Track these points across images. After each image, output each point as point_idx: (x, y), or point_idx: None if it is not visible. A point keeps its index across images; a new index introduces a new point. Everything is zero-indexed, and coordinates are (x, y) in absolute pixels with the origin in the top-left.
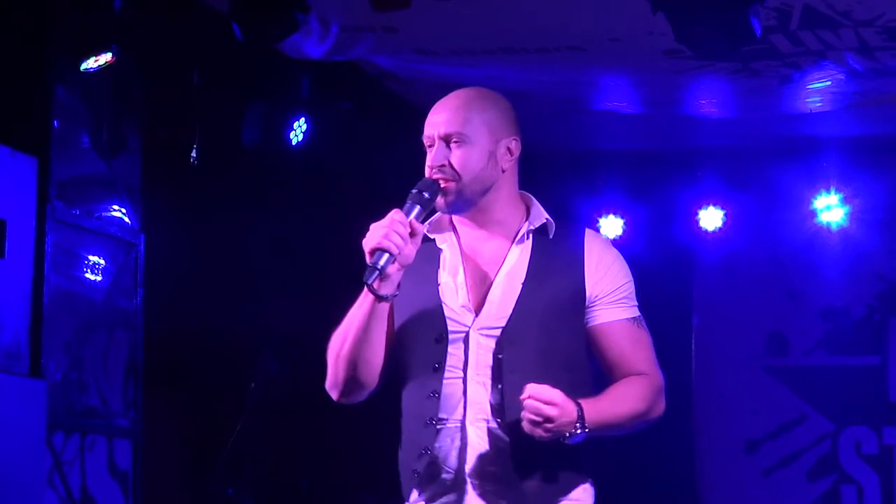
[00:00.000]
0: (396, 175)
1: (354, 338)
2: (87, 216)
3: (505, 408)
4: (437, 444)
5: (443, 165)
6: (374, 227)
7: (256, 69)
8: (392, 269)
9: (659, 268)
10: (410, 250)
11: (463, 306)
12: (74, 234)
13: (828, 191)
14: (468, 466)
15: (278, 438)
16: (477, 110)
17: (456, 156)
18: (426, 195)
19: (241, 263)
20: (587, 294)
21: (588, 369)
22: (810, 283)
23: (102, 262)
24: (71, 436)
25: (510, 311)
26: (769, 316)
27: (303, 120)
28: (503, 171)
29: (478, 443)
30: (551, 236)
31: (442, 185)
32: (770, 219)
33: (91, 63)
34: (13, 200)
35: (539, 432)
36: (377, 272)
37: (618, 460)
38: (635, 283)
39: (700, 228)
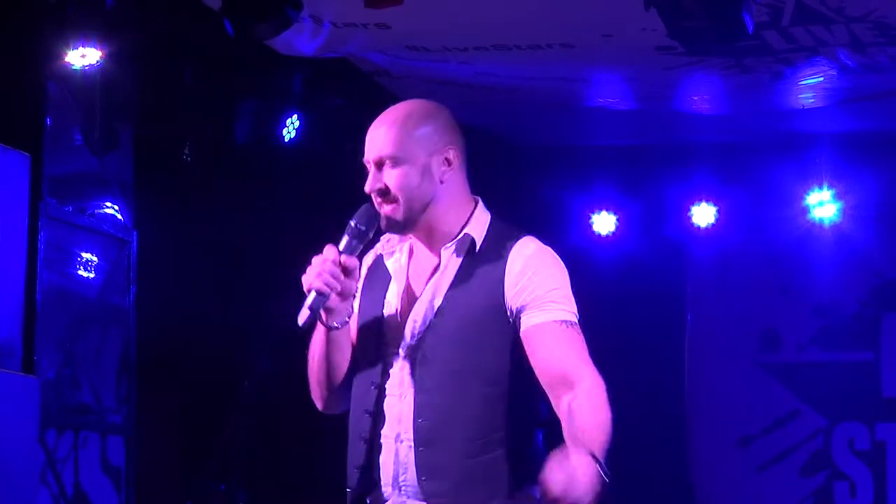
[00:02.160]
0: None
1: (319, 362)
2: (80, 213)
3: (420, 425)
4: (369, 462)
5: (380, 189)
6: (313, 262)
7: (249, 66)
8: (333, 302)
9: (652, 264)
10: (348, 284)
11: (395, 323)
12: (67, 231)
13: (820, 187)
14: (395, 483)
15: (271, 435)
16: (407, 128)
17: (390, 177)
18: (362, 227)
19: (234, 260)
20: (508, 307)
21: (507, 383)
22: (803, 279)
23: (95, 259)
24: (64, 433)
25: (424, 328)
26: (762, 312)
27: (295, 116)
28: (442, 183)
29: (404, 461)
30: (479, 247)
31: (384, 209)
32: (763, 215)
33: (78, 59)
34: (6, 197)
35: None
36: (310, 314)
37: (610, 456)
38: (628, 278)
39: (693, 224)
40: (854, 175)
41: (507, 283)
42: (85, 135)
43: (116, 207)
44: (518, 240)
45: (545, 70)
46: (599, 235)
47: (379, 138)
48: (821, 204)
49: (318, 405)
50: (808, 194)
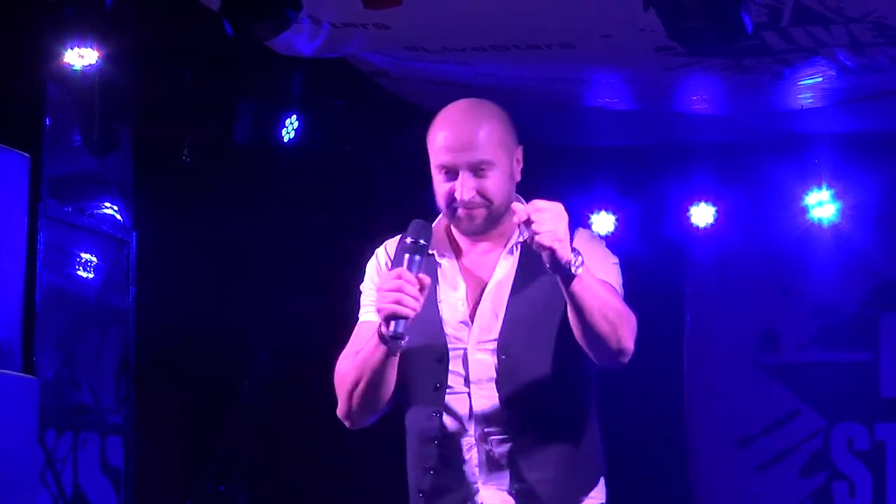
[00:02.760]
0: (388, 172)
1: (369, 382)
2: (79, 214)
3: (510, 419)
4: (441, 463)
5: (473, 197)
6: (383, 291)
7: (248, 66)
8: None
9: (651, 264)
10: (420, 304)
11: (461, 322)
12: (66, 231)
13: (819, 187)
14: (481, 481)
15: (270, 436)
16: (495, 131)
17: (486, 184)
18: (422, 241)
19: (234, 261)
20: None
21: (587, 370)
22: (802, 279)
23: (94, 259)
24: (63, 433)
25: (501, 323)
26: (761, 312)
27: (294, 117)
28: (516, 183)
29: (489, 457)
30: None
31: (471, 212)
32: (762, 215)
33: (78, 59)
34: (5, 198)
35: (540, 239)
36: (398, 340)
37: (610, 456)
38: (627, 278)
39: (692, 225)
40: (853, 175)
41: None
42: (84, 135)
43: (116, 208)
44: (573, 230)
45: (544, 70)
46: (599, 236)
47: (472, 143)
48: (820, 204)
49: (348, 423)
50: (807, 194)
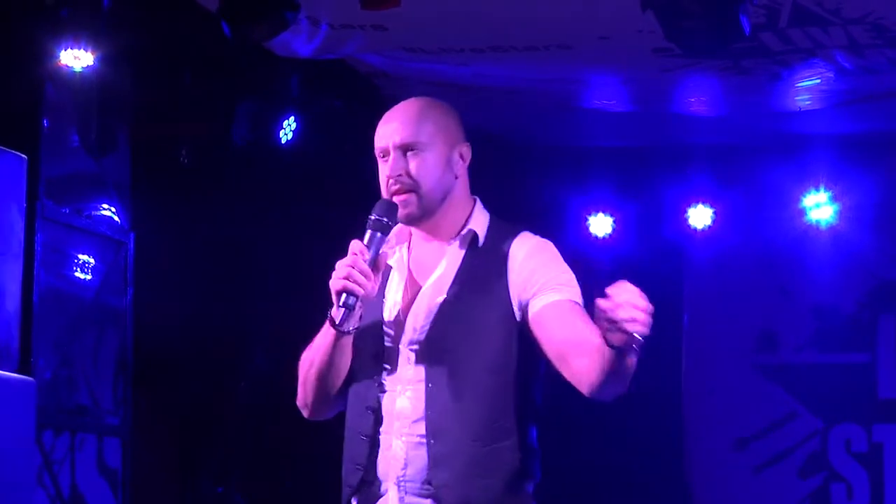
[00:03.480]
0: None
1: (320, 365)
2: (77, 215)
3: (432, 420)
4: (368, 460)
5: (400, 175)
6: (338, 265)
7: (246, 67)
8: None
9: (648, 266)
10: (374, 285)
11: (396, 318)
12: (64, 232)
13: (817, 188)
14: (392, 479)
15: (268, 437)
16: (430, 118)
17: (414, 164)
18: (385, 220)
19: (232, 262)
20: (513, 299)
21: (512, 374)
22: (800, 280)
23: (92, 260)
24: (61, 434)
25: (430, 323)
26: (759, 314)
27: (292, 118)
28: (456, 178)
29: (402, 455)
30: (481, 243)
31: (402, 198)
32: (759, 217)
33: (75, 60)
34: (2, 199)
35: (639, 327)
36: (346, 312)
37: (607, 458)
38: (624, 279)
39: (689, 226)
40: (851, 177)
41: (511, 276)
42: (82, 136)
43: (113, 209)
44: (518, 234)
45: (542, 71)
46: (596, 237)
47: (403, 124)
48: (818, 206)
49: (305, 412)
50: (804, 196)
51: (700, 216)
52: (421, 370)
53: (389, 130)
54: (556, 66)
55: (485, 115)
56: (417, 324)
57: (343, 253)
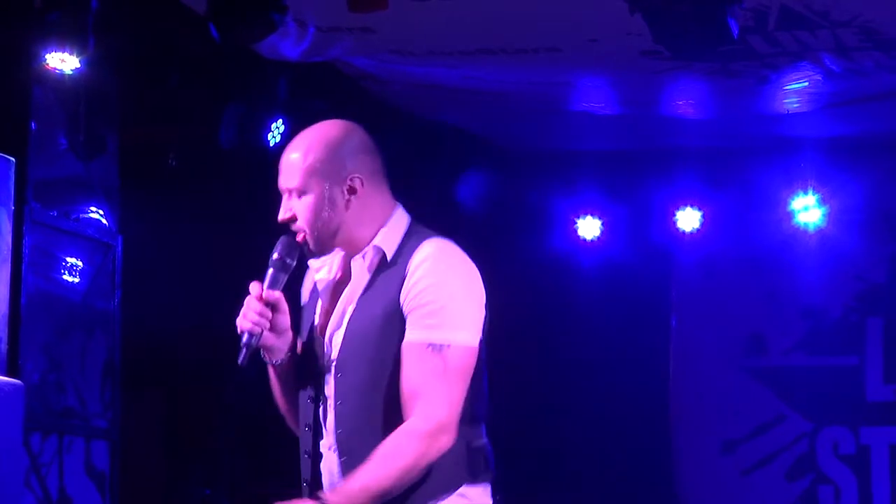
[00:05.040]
0: None
1: (279, 398)
2: (65, 218)
3: (339, 435)
4: (310, 476)
5: (289, 218)
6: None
7: (234, 70)
8: (269, 340)
9: (637, 269)
10: (278, 319)
11: (321, 339)
12: (52, 235)
13: (805, 191)
14: (322, 492)
15: (256, 440)
16: (307, 160)
17: (297, 208)
18: (287, 260)
19: (220, 265)
20: (401, 308)
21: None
22: (788, 283)
23: (80, 263)
24: (48, 437)
25: (341, 340)
26: (747, 316)
27: (280, 121)
28: (347, 210)
29: (335, 468)
30: (389, 257)
31: (298, 237)
32: (748, 219)
33: (63, 63)
34: None
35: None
36: (244, 351)
37: (595, 461)
38: (615, 284)
39: (678, 229)
40: (839, 179)
41: (403, 289)
42: (70, 139)
43: (101, 212)
44: (422, 242)
45: (531, 74)
46: (584, 240)
47: (286, 168)
48: (806, 208)
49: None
50: (793, 199)
51: (688, 219)
52: (334, 387)
53: (280, 174)
54: (545, 69)
55: (473, 118)
56: (331, 341)
57: None
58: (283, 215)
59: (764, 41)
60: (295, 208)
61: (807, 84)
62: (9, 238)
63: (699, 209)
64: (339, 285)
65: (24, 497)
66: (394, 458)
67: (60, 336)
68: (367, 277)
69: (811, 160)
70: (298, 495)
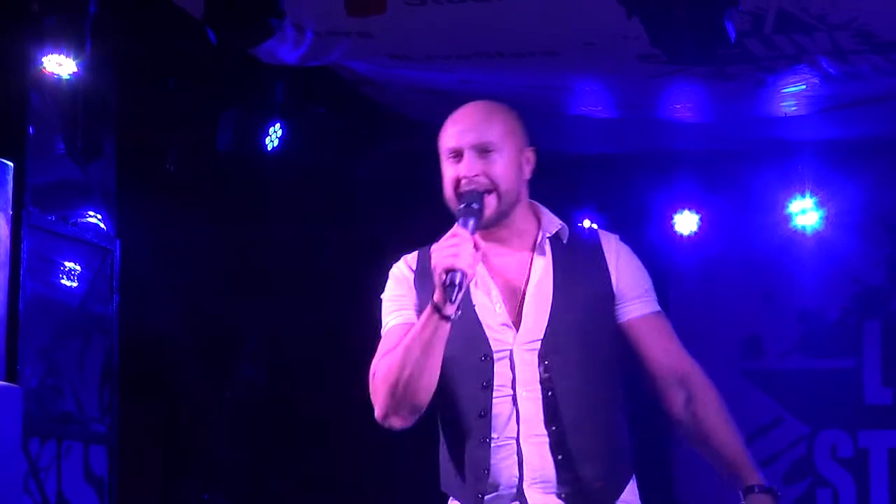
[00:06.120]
0: (372, 180)
1: (417, 363)
2: (63, 222)
3: (557, 419)
4: (493, 463)
5: (477, 175)
6: (439, 247)
7: (232, 75)
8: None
9: None
10: (476, 263)
11: (503, 324)
12: (50, 240)
13: (803, 194)
14: (526, 482)
15: (254, 445)
16: (503, 120)
17: (490, 165)
18: (475, 206)
19: (217, 269)
20: (615, 292)
21: (621, 364)
22: (786, 286)
23: (78, 268)
24: (47, 442)
25: (545, 323)
26: (745, 319)
27: (278, 125)
28: (525, 181)
29: (533, 457)
30: (565, 241)
31: (484, 197)
32: (745, 222)
33: (61, 68)
34: None
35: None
36: (457, 289)
37: None
38: None
39: (675, 232)
40: (836, 182)
41: (610, 268)
42: (68, 144)
43: (99, 216)
44: (598, 231)
45: (528, 78)
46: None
47: (475, 126)
48: (803, 212)
49: (397, 422)
50: (790, 202)
51: (686, 222)
52: (540, 372)
53: (461, 130)
54: (542, 73)
55: None
56: (531, 325)
57: (331, 263)
58: (469, 170)
59: (761, 44)
60: (485, 166)
61: (804, 87)
62: (7, 243)
63: (697, 212)
64: (509, 270)
65: (23, 501)
66: (728, 418)
67: (58, 341)
68: (551, 261)
69: (808, 163)
70: (298, 497)
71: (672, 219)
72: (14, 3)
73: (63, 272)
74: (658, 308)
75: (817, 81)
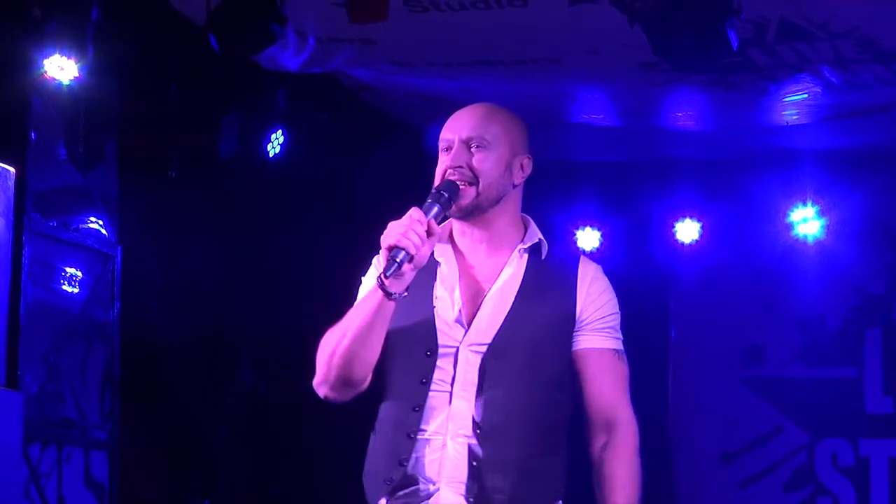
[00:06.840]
0: (373, 187)
1: (355, 335)
2: (64, 228)
3: (485, 423)
4: (415, 456)
5: (460, 167)
6: (392, 224)
7: (233, 81)
8: (406, 268)
9: (636, 280)
10: (426, 251)
11: (456, 321)
12: (51, 245)
13: (804, 203)
14: (444, 480)
15: (255, 450)
16: (499, 121)
17: (476, 159)
18: (445, 195)
19: (218, 275)
20: (576, 316)
21: (570, 389)
22: (787, 295)
23: (79, 273)
24: (48, 448)
25: (497, 328)
26: (746, 328)
27: (280, 132)
28: (514, 186)
29: (456, 457)
30: (543, 257)
31: (460, 188)
32: (747, 231)
33: (63, 73)
34: None
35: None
36: (395, 266)
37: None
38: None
39: (677, 241)
40: (838, 191)
41: (579, 292)
42: (69, 149)
43: (101, 222)
44: (580, 255)
45: (530, 85)
46: (583, 251)
47: (470, 120)
48: (804, 220)
49: (324, 389)
50: (792, 211)
51: (687, 231)
52: (482, 374)
53: (457, 124)
54: (544, 80)
55: None
56: (482, 326)
57: (332, 269)
58: (456, 160)
59: (763, 53)
60: (473, 158)
61: (806, 96)
62: (8, 248)
63: (698, 221)
64: (479, 272)
65: None
66: (636, 476)
67: (59, 346)
68: (523, 269)
69: (810, 172)
70: (298, 502)
71: (673, 227)
72: (16, 8)
73: (64, 278)
74: (618, 347)
75: (819, 90)
